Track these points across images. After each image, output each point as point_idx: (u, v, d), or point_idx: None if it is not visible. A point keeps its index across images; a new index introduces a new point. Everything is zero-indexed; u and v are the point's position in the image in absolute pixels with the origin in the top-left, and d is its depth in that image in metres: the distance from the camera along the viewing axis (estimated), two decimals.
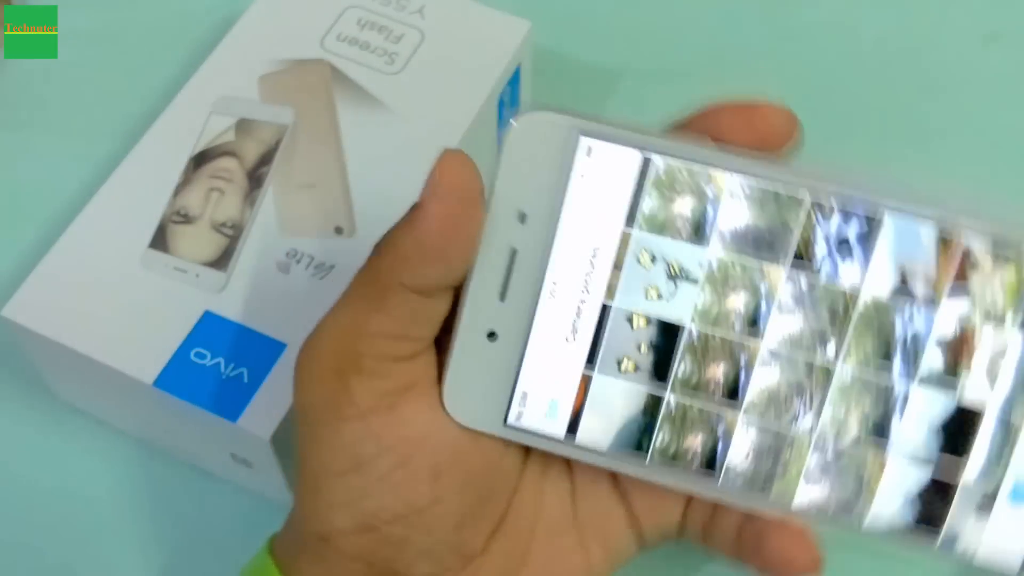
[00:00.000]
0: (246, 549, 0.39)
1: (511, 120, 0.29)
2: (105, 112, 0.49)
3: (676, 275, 0.29)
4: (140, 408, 0.38)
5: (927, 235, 0.27)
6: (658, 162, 0.28)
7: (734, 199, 0.28)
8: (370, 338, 0.28)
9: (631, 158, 0.28)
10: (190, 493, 0.40)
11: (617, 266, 0.29)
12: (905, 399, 0.28)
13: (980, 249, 0.27)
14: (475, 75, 0.43)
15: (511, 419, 0.30)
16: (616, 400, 0.29)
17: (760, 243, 0.28)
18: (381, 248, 0.29)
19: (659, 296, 0.29)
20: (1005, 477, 0.28)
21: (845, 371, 0.28)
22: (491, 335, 0.29)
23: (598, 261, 0.29)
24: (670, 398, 0.29)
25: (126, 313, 0.37)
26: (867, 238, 0.28)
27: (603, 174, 0.28)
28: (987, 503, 0.28)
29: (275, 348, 0.36)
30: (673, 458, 0.29)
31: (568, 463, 0.32)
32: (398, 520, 0.29)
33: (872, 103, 0.50)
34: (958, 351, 0.28)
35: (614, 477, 0.32)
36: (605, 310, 0.29)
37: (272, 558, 0.31)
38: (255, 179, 0.40)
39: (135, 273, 0.38)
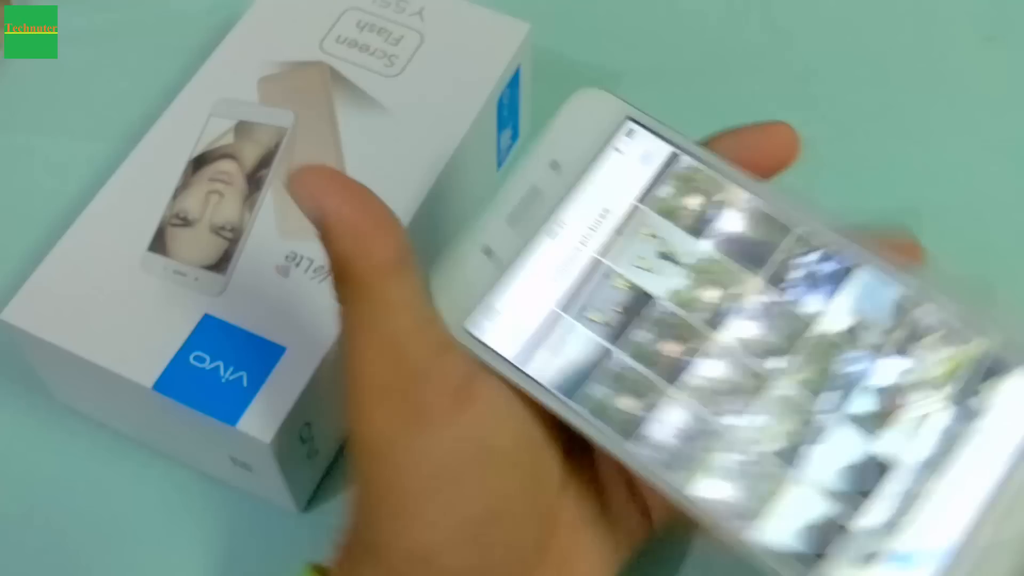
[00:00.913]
0: (245, 551, 0.40)
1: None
2: (105, 113, 0.49)
3: (666, 255, 0.31)
4: (139, 411, 0.38)
5: (890, 294, 0.29)
6: (684, 159, 0.31)
7: (734, 209, 0.31)
8: (409, 339, 0.29)
9: (662, 149, 0.32)
10: (189, 496, 0.40)
11: (618, 231, 0.31)
12: (824, 430, 0.29)
13: (934, 321, 0.29)
14: (474, 77, 0.43)
15: (472, 327, 0.30)
16: (573, 344, 0.30)
17: (745, 252, 0.31)
18: (339, 274, 0.29)
19: (646, 269, 0.31)
20: (893, 539, 0.28)
21: (779, 385, 0.29)
22: (487, 251, 0.31)
23: (604, 222, 0.31)
24: (622, 357, 0.30)
25: (125, 316, 0.37)
26: (838, 278, 0.30)
27: (635, 155, 0.32)
28: (868, 559, 0.28)
29: (275, 351, 0.36)
30: (604, 412, 0.30)
31: (596, 482, 0.33)
32: (490, 520, 0.29)
33: (872, 103, 0.50)
34: (887, 405, 0.29)
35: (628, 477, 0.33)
36: (595, 265, 0.31)
37: None
38: (254, 182, 0.40)
39: (134, 276, 0.38)
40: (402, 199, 0.39)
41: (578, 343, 0.30)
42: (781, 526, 0.29)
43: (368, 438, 0.29)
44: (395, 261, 0.29)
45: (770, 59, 0.52)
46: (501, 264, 0.31)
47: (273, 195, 0.39)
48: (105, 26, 0.52)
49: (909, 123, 0.50)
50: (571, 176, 0.32)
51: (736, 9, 0.54)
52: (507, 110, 0.45)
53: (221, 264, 0.38)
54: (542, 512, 0.31)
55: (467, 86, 0.42)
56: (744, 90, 0.51)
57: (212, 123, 0.41)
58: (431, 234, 0.41)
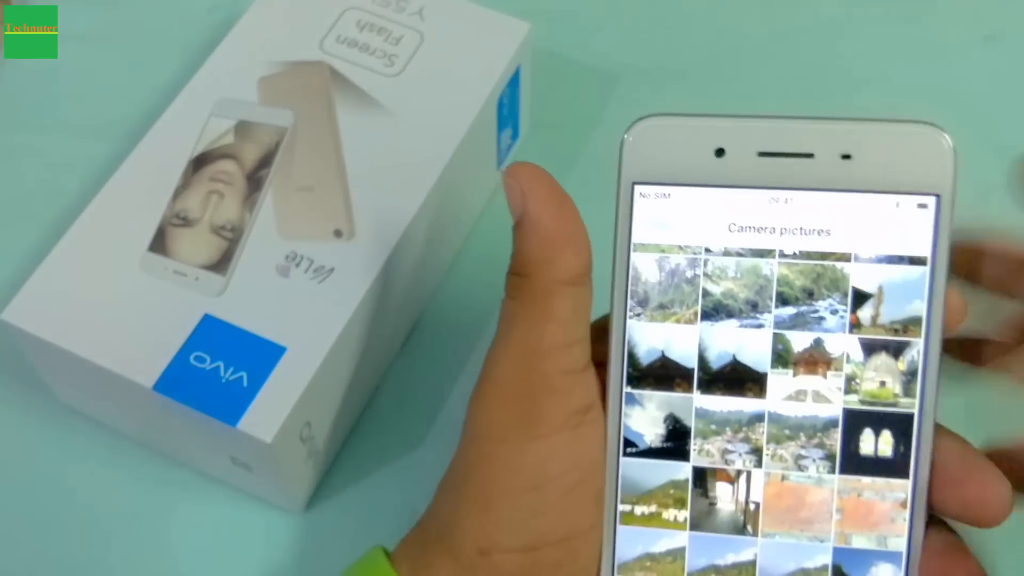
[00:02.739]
0: (245, 552, 0.40)
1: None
2: (105, 113, 0.49)
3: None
4: (140, 411, 0.38)
5: None
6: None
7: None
8: (552, 353, 0.30)
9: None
10: (190, 496, 0.40)
11: None
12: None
13: None
14: (475, 77, 0.43)
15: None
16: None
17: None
18: (518, 269, 0.30)
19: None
20: None
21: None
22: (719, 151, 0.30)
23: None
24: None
25: (126, 316, 0.37)
26: None
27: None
28: None
29: (275, 351, 0.36)
30: None
31: None
32: (561, 543, 0.30)
33: (872, 102, 0.50)
34: None
35: None
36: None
37: (392, 568, 0.31)
38: (254, 182, 0.40)
39: (135, 276, 0.38)
40: (402, 199, 0.39)
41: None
42: None
43: (483, 429, 0.30)
44: (572, 278, 0.30)
45: (770, 59, 0.52)
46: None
47: (273, 195, 0.39)
48: (105, 26, 0.52)
49: None
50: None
51: (736, 9, 0.54)
52: (507, 109, 0.45)
53: (221, 264, 0.38)
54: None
55: (467, 86, 0.42)
56: (744, 90, 0.51)
57: (212, 123, 0.41)
58: (431, 234, 0.41)
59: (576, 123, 0.50)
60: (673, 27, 0.53)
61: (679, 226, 0.30)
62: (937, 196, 0.29)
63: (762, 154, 0.30)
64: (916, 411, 0.30)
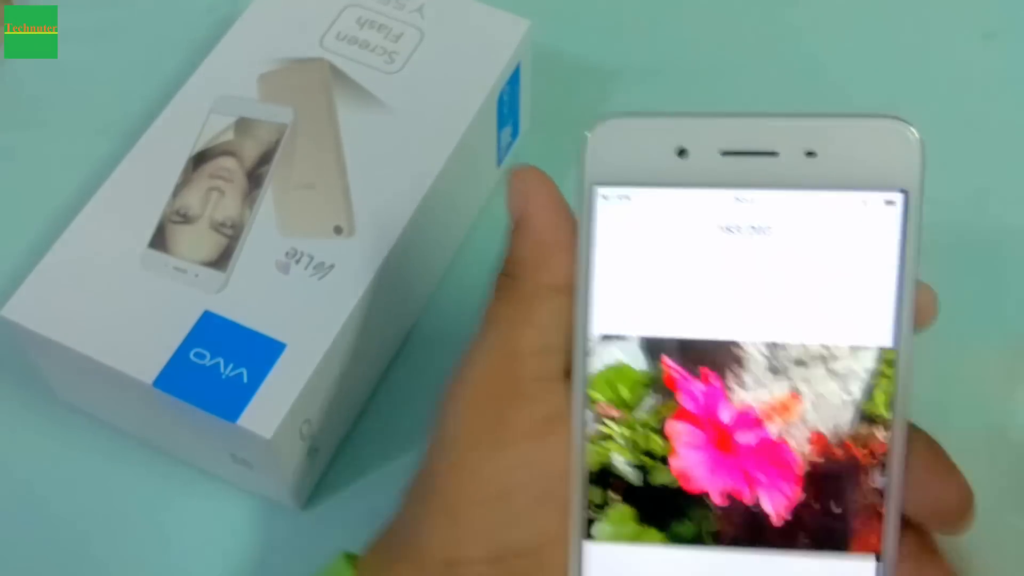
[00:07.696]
0: (245, 549, 0.40)
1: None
2: (105, 112, 0.49)
3: None
4: (140, 408, 0.38)
5: None
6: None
7: None
8: (528, 358, 0.29)
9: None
10: (189, 493, 0.40)
11: None
12: None
13: None
14: (475, 74, 0.43)
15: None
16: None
17: None
18: (508, 271, 0.30)
19: None
20: None
21: None
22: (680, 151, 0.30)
23: None
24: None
25: (125, 313, 0.37)
26: None
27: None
28: None
29: (275, 348, 0.36)
30: None
31: None
32: (528, 553, 0.29)
33: (872, 102, 0.50)
34: None
35: None
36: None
37: None
38: (255, 179, 0.40)
39: (135, 273, 0.38)
40: (402, 196, 0.39)
41: None
42: None
43: (453, 433, 0.30)
44: (558, 284, 0.30)
45: (770, 57, 0.52)
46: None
47: (273, 192, 0.39)
48: (105, 23, 0.52)
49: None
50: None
51: (735, 8, 0.54)
52: (507, 107, 0.45)
53: (221, 261, 0.38)
54: None
55: (467, 83, 0.42)
56: (743, 88, 0.51)
57: (212, 120, 0.41)
58: (431, 231, 0.41)
59: (576, 121, 0.49)
60: (673, 25, 0.53)
61: (642, 228, 0.29)
62: (905, 192, 0.28)
63: (725, 153, 0.29)
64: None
